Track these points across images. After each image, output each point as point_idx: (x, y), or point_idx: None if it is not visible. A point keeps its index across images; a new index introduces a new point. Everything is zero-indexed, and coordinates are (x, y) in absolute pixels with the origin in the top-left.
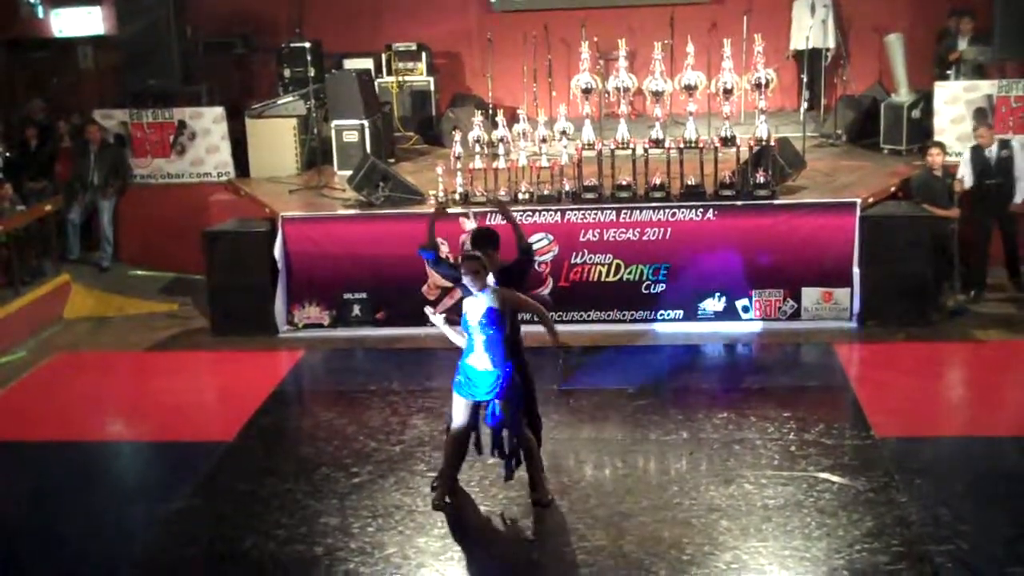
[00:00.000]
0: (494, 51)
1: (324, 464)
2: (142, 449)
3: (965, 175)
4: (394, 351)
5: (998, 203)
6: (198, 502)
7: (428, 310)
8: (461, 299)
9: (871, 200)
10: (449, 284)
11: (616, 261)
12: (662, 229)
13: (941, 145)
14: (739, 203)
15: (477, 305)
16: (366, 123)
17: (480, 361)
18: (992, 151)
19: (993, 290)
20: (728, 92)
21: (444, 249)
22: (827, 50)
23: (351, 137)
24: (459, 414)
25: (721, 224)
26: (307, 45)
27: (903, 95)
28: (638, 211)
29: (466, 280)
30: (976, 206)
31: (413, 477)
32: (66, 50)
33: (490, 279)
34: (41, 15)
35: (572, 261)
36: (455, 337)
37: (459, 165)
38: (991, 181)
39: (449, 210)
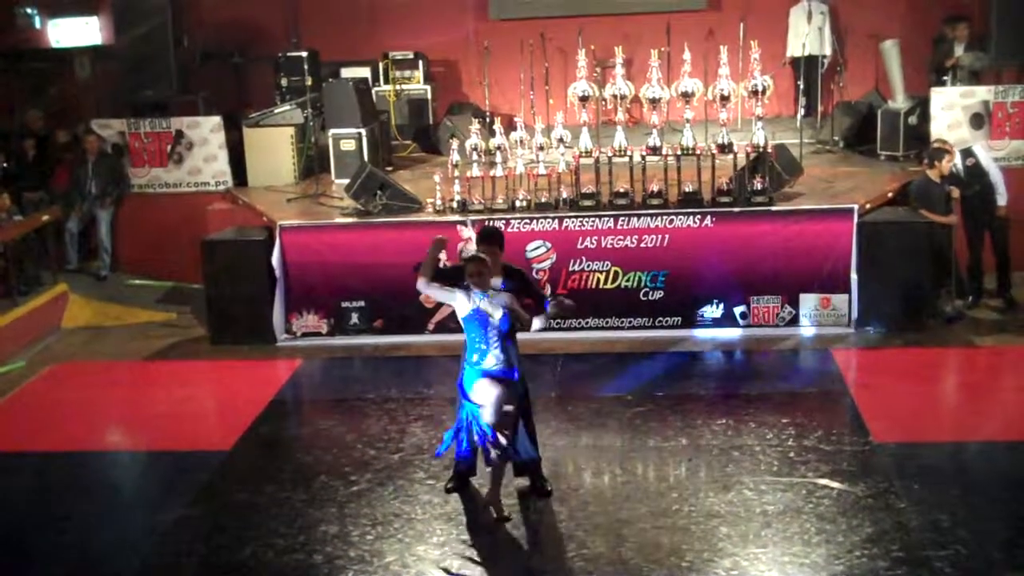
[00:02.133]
0: (491, 59)
1: (323, 472)
2: (140, 459)
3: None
4: (392, 359)
5: (983, 210)
6: (196, 511)
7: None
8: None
9: (868, 206)
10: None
11: (614, 268)
12: (660, 236)
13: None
14: (736, 210)
15: (494, 306)
16: (363, 131)
17: (495, 363)
18: (957, 164)
19: (990, 296)
20: (725, 99)
21: (441, 257)
22: (823, 57)
23: (348, 145)
24: None
25: (719, 231)
26: (304, 54)
27: (900, 101)
28: (636, 218)
29: (470, 282)
30: (966, 218)
31: (412, 485)
32: (63, 60)
33: (496, 281)
34: (38, 25)
35: (570, 268)
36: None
37: (456, 173)
38: (968, 192)
39: (446, 218)
